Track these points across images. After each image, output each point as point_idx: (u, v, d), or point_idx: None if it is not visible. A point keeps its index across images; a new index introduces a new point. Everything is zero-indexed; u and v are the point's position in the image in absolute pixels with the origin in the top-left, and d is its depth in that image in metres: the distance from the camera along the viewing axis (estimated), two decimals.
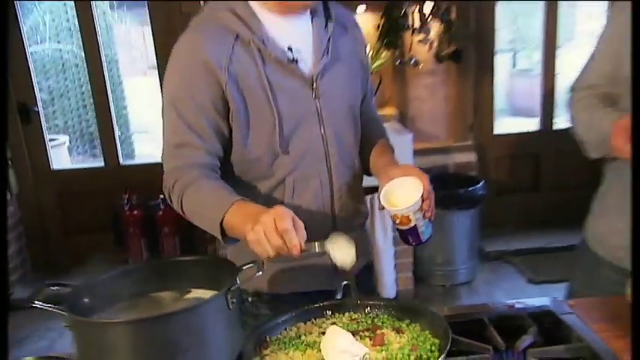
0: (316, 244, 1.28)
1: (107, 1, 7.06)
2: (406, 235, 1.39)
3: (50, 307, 1.02)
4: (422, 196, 1.34)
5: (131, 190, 4.16)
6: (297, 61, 1.43)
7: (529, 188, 4.68)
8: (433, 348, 1.12)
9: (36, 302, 1.04)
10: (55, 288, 1.10)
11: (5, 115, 3.13)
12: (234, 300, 1.07)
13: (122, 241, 4.17)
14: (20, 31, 4.12)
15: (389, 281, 3.73)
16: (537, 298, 1.47)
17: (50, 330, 3.67)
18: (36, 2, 5.66)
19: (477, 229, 4.00)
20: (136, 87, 8.58)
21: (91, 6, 4.13)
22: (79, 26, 4.20)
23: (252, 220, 1.21)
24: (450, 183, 4.00)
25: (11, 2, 4.01)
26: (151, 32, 4.34)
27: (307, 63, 1.46)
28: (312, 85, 1.45)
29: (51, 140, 5.73)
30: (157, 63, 4.32)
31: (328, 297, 1.44)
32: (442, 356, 1.06)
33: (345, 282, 1.37)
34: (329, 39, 1.49)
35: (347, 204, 1.56)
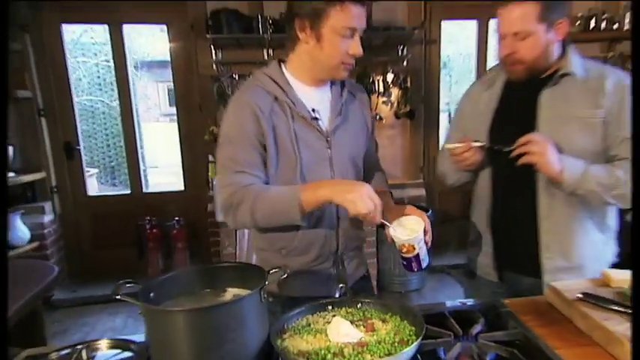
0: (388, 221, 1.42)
1: (133, 60, 7.08)
2: (410, 262, 1.40)
3: (129, 299, 1.03)
4: (424, 229, 1.37)
5: (151, 212, 4.16)
6: (317, 120, 1.50)
7: (464, 217, 4.66)
8: (411, 333, 1.17)
9: (119, 296, 1.04)
10: (128, 285, 1.10)
11: (5, 116, 2.97)
12: (265, 296, 1.10)
13: (143, 255, 4.12)
14: (69, 85, 4.11)
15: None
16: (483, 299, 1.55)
17: (84, 325, 3.63)
18: (79, 63, 5.68)
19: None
20: (150, 131, 8.53)
21: (126, 67, 4.16)
22: (117, 83, 4.19)
23: (330, 184, 1.41)
24: None
25: (63, 60, 4.04)
26: (164, 88, 4.37)
27: (324, 121, 1.53)
28: (327, 138, 1.52)
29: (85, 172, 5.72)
30: (177, 111, 4.32)
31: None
32: (419, 338, 1.11)
33: (341, 285, 1.38)
34: (342, 104, 1.56)
35: (348, 230, 1.59)
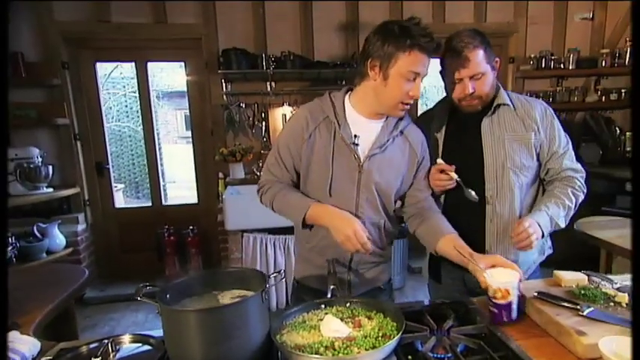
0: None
1: (158, 91, 7.08)
2: (501, 309, 1.26)
3: (148, 300, 1.03)
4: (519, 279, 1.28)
5: (169, 222, 4.13)
6: (356, 145, 1.47)
7: None
8: (393, 328, 1.16)
9: (140, 297, 1.04)
10: (148, 287, 1.09)
11: (5, 116, 2.96)
12: (266, 297, 1.09)
13: (162, 258, 4.08)
14: (101, 113, 4.10)
15: None
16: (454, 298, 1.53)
17: (111, 319, 3.57)
18: (110, 95, 5.69)
19: (407, 252, 4.05)
20: (169, 151, 8.53)
21: (149, 97, 4.15)
22: (141, 111, 4.17)
23: (332, 216, 1.43)
24: None
25: (96, 93, 4.03)
26: (182, 114, 4.37)
27: (364, 149, 1.48)
28: (360, 163, 1.47)
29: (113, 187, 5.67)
30: (192, 135, 4.29)
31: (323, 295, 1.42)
32: (400, 333, 1.11)
33: (332, 286, 1.36)
34: (387, 140, 1.49)
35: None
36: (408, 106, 1.47)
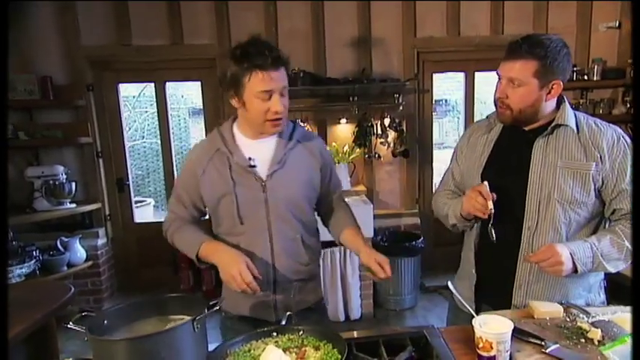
0: None
1: (185, 109, 7.24)
2: None
3: (77, 327, 1.02)
4: (511, 333, 1.12)
5: None
6: (254, 167, 1.48)
7: (455, 242, 4.51)
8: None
9: (68, 324, 1.03)
10: (84, 314, 1.09)
11: (5, 116, 3.02)
12: (199, 325, 1.06)
13: (177, 272, 4.13)
14: (122, 132, 4.21)
15: (355, 306, 3.66)
16: (419, 326, 1.45)
17: None
18: (131, 114, 5.88)
19: (419, 270, 3.93)
20: None
21: (167, 116, 4.25)
22: (159, 128, 4.28)
23: (220, 254, 1.41)
24: (401, 238, 3.98)
25: (118, 112, 4.17)
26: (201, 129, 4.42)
27: (262, 169, 1.49)
28: (262, 183, 1.48)
29: (141, 201, 5.80)
30: None
31: (275, 322, 1.43)
32: None
33: (288, 313, 1.34)
34: (284, 153, 1.50)
35: (285, 264, 1.52)
36: (280, 120, 1.44)
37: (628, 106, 3.92)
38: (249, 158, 1.48)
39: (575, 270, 1.36)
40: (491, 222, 1.44)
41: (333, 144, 4.05)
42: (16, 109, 3.86)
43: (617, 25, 4.03)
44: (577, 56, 4.09)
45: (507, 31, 4.05)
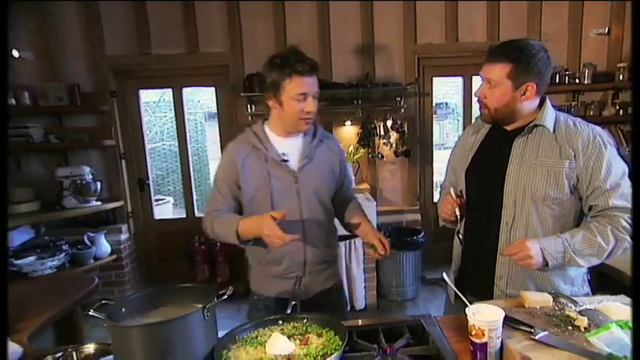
0: None
1: (201, 114, 7.23)
2: (476, 349, 1.09)
3: (97, 314, 1.02)
4: (502, 321, 1.09)
5: (200, 233, 4.15)
6: (286, 161, 1.57)
7: (453, 237, 4.48)
8: (337, 346, 1.12)
9: (90, 311, 1.04)
10: (104, 302, 1.09)
11: (5, 116, 2.90)
12: (209, 313, 1.06)
13: (193, 266, 4.14)
14: (143, 135, 4.25)
15: (360, 297, 3.65)
16: (419, 314, 1.44)
17: None
18: (151, 118, 5.90)
19: (420, 263, 3.91)
20: (215, 166, 8.62)
21: (184, 119, 4.27)
22: (177, 131, 4.30)
23: (254, 222, 1.46)
24: (403, 233, 3.96)
25: (139, 117, 4.20)
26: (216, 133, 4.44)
27: (294, 163, 1.58)
28: (294, 175, 1.58)
29: (160, 200, 5.81)
30: (221, 151, 4.33)
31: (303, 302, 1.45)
32: (338, 352, 1.07)
33: (293, 302, 1.35)
34: (310, 150, 1.61)
35: (314, 247, 1.62)
36: (311, 119, 1.56)
37: (617, 107, 3.88)
38: (282, 153, 1.57)
39: (546, 264, 1.34)
40: (458, 227, 1.51)
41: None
42: (47, 114, 3.91)
43: (606, 31, 3.98)
44: (569, 61, 4.05)
45: (503, 37, 3.99)
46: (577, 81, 3.89)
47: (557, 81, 3.91)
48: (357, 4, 3.97)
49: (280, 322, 1.29)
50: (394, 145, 4.09)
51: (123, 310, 1.12)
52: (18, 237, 3.78)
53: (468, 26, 4.04)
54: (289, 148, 1.60)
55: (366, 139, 4.01)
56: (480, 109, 1.52)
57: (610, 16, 3.99)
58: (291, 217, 1.54)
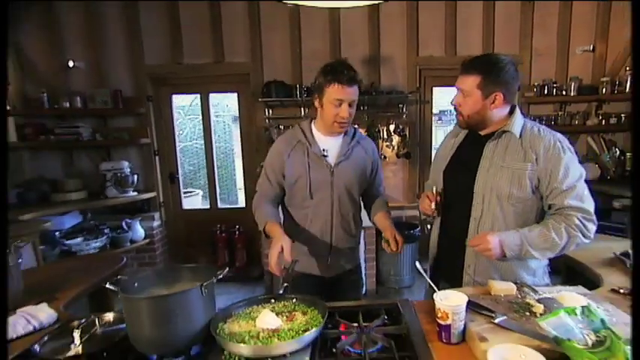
0: None
1: (229, 116, 7.30)
2: (441, 329, 1.11)
3: (112, 287, 1.07)
4: (466, 305, 1.11)
5: (221, 222, 4.22)
6: (326, 157, 1.61)
7: None
8: (318, 324, 1.13)
9: (107, 284, 1.08)
10: (119, 277, 1.14)
11: (5, 116, 2.99)
12: (207, 290, 1.08)
13: (215, 251, 4.18)
14: (174, 134, 4.32)
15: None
16: (394, 298, 1.45)
17: None
18: (181, 119, 5.97)
19: (417, 254, 3.88)
20: (240, 164, 8.62)
21: (210, 121, 4.32)
22: (203, 131, 4.36)
23: (274, 238, 1.49)
24: (403, 227, 3.90)
25: (171, 118, 4.29)
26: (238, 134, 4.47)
27: (332, 158, 1.62)
28: (331, 169, 1.63)
29: (191, 192, 5.89)
30: (242, 151, 4.40)
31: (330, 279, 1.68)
32: (317, 328, 1.09)
33: (285, 284, 1.36)
34: (348, 149, 1.65)
35: (340, 233, 1.68)
36: (345, 124, 1.59)
37: (600, 118, 3.79)
38: (323, 149, 1.62)
39: (504, 255, 1.37)
40: (428, 218, 1.57)
41: None
42: (94, 116, 4.03)
43: (591, 48, 3.88)
44: (557, 74, 3.96)
45: (497, 51, 3.94)
46: (564, 93, 3.81)
47: (545, 92, 3.84)
48: (366, 19, 3.96)
49: (272, 300, 1.32)
50: (396, 148, 4.06)
51: (135, 284, 1.16)
52: (69, 220, 3.91)
53: (466, 41, 3.99)
54: (330, 145, 1.64)
55: None
56: (456, 116, 1.54)
57: (595, 35, 3.89)
58: (325, 206, 1.63)
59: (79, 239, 3.69)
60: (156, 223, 4.16)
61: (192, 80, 4.16)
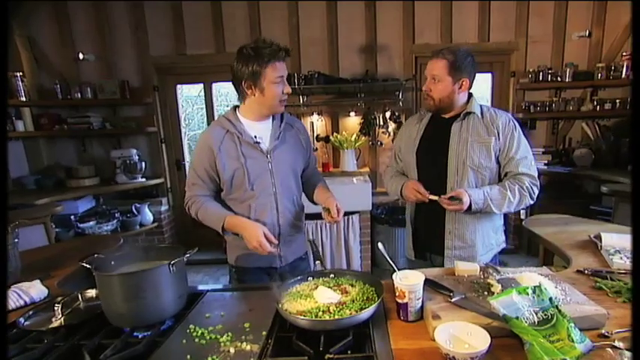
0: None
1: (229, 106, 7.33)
2: (399, 307, 1.12)
3: (87, 265, 1.09)
4: (423, 285, 1.12)
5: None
6: (259, 143, 1.50)
7: None
8: (373, 293, 1.19)
9: (82, 263, 1.11)
10: (96, 255, 1.16)
11: (5, 116, 2.98)
12: (175, 268, 1.09)
13: (219, 234, 4.23)
14: (179, 123, 4.34)
15: (356, 266, 3.66)
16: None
17: None
18: (186, 108, 6.01)
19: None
20: None
21: (213, 110, 4.33)
22: (207, 120, 4.39)
23: (242, 229, 1.42)
24: (397, 211, 3.91)
25: (176, 107, 4.31)
26: None
27: (265, 144, 1.52)
28: (267, 155, 1.51)
29: None
30: None
31: (279, 269, 1.60)
32: (381, 296, 1.12)
33: (317, 261, 1.36)
34: (280, 132, 1.54)
35: (287, 220, 1.57)
36: (286, 101, 1.51)
37: (595, 104, 3.67)
38: (255, 136, 1.50)
39: (469, 208, 1.56)
40: (440, 198, 1.60)
41: (344, 132, 4.03)
42: (104, 106, 4.09)
43: (587, 34, 3.74)
44: (552, 60, 3.85)
45: (493, 39, 3.84)
46: (559, 79, 3.70)
47: (540, 79, 3.73)
48: (362, 7, 3.90)
49: (310, 278, 1.29)
50: (392, 134, 4.03)
51: (112, 262, 1.18)
52: (83, 205, 4.01)
53: (461, 29, 3.89)
54: (261, 131, 1.52)
55: (367, 128, 3.97)
56: (425, 100, 1.67)
57: (591, 21, 3.74)
58: (267, 194, 1.51)
59: (92, 222, 3.78)
60: (164, 208, 4.23)
61: (196, 70, 4.17)
